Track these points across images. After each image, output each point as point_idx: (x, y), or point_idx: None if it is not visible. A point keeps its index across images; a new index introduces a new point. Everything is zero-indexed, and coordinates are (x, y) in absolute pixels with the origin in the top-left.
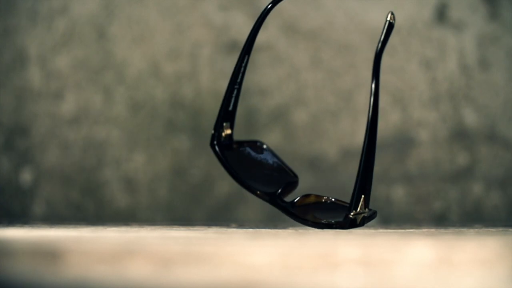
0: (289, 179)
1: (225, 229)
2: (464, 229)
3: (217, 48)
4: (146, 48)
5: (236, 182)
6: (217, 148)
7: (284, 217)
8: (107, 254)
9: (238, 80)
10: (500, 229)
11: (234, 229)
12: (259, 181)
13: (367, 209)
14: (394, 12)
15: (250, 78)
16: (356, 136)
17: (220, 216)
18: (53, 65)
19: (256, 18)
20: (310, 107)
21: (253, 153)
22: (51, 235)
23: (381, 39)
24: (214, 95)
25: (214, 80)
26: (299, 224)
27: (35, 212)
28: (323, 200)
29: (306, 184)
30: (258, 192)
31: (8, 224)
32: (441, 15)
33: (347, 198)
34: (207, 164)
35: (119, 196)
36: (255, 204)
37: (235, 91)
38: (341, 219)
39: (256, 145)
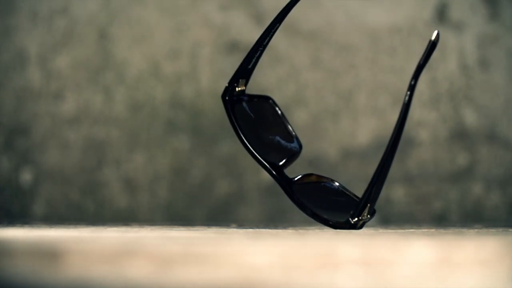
0: (293, 150)
1: (225, 229)
2: (464, 229)
3: (217, 48)
4: (146, 48)
5: (239, 141)
6: (227, 103)
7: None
8: (107, 254)
9: (264, 43)
10: (500, 229)
11: (234, 229)
12: (263, 146)
13: (369, 216)
14: (394, 12)
15: (251, 78)
16: (356, 136)
17: (220, 216)
18: (53, 65)
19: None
20: (310, 107)
21: (262, 111)
22: (51, 235)
23: (424, 57)
24: (214, 95)
25: (214, 80)
26: (299, 224)
27: (35, 212)
28: (325, 185)
29: None
30: (258, 157)
31: (8, 224)
32: (441, 15)
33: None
34: (207, 164)
35: (119, 196)
36: (255, 204)
37: (259, 52)
38: (342, 220)
39: (267, 101)
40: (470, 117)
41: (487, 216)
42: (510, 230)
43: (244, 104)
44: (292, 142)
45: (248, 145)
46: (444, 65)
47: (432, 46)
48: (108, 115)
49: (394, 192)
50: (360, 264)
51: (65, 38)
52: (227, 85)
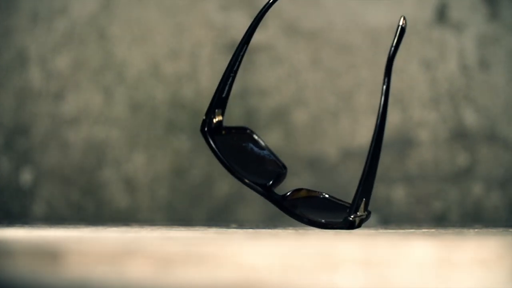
0: (279, 171)
1: (225, 229)
2: (464, 229)
3: (217, 48)
4: (146, 48)
5: (226, 170)
6: (207, 135)
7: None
8: (107, 254)
9: (235, 68)
10: (500, 229)
11: (234, 229)
12: (249, 171)
13: (366, 212)
14: (394, 12)
15: (250, 78)
16: (356, 136)
17: (220, 216)
18: (53, 65)
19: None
20: (310, 107)
21: (242, 141)
22: (51, 235)
23: (394, 43)
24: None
25: (214, 80)
26: (299, 224)
27: (35, 212)
28: (316, 196)
29: (306, 184)
30: (247, 181)
31: (8, 224)
32: (441, 15)
33: (347, 198)
34: (207, 164)
35: (119, 196)
36: (255, 204)
37: (230, 79)
38: (338, 220)
39: (246, 132)
40: (470, 117)
41: (487, 216)
42: (510, 230)
43: (224, 135)
44: (276, 164)
45: (235, 171)
46: (444, 65)
47: (401, 31)
48: (108, 115)
49: (394, 192)
50: (360, 264)
51: (65, 38)
52: (204, 117)
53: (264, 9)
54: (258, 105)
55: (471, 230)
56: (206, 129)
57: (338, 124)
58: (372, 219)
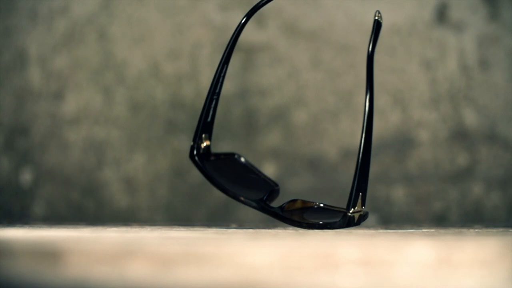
0: (272, 187)
1: (225, 229)
2: (464, 230)
3: (217, 48)
4: (146, 48)
5: (220, 191)
6: (197, 159)
7: None
8: (107, 254)
9: (217, 90)
10: (500, 229)
11: (234, 230)
12: (243, 189)
13: (363, 208)
14: (395, 12)
15: (250, 78)
16: (356, 136)
17: (220, 216)
18: (53, 65)
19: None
20: (310, 107)
21: (232, 164)
22: (51, 235)
23: (371, 39)
24: None
25: None
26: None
27: (35, 212)
28: (312, 205)
29: (306, 184)
30: (243, 198)
31: (8, 224)
32: (441, 15)
33: (347, 198)
34: None
35: (119, 196)
36: None
37: (214, 102)
38: (337, 220)
39: (234, 157)
40: (470, 117)
41: (487, 216)
42: (510, 230)
43: (213, 160)
44: (268, 182)
45: (229, 190)
46: (444, 65)
47: (377, 26)
48: (108, 115)
49: (394, 192)
50: (360, 264)
51: (65, 38)
52: (191, 143)
53: (237, 31)
54: (258, 105)
55: (471, 230)
56: (195, 155)
57: (338, 124)
58: (372, 219)
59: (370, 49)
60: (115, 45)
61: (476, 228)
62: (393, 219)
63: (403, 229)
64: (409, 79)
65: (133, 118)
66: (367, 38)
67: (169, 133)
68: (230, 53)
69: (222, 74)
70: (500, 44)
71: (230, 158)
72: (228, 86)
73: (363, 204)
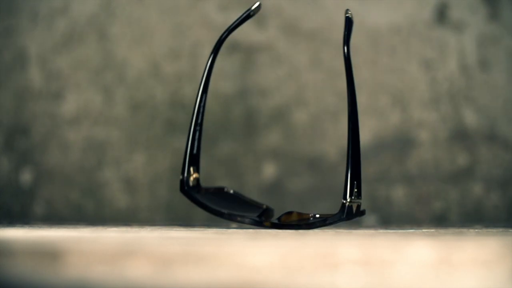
0: (265, 208)
1: (225, 229)
2: (464, 230)
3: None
4: (146, 48)
5: (216, 216)
6: (189, 193)
7: None
8: (107, 254)
9: (199, 121)
10: (500, 229)
11: (234, 230)
12: (238, 212)
13: (360, 197)
14: (395, 12)
15: (250, 78)
16: None
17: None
18: (53, 65)
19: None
20: (310, 107)
21: (223, 196)
22: (51, 235)
23: (345, 35)
24: (214, 95)
25: (214, 80)
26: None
27: (35, 212)
28: (307, 216)
29: (306, 184)
30: (239, 218)
31: (8, 224)
32: (441, 15)
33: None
34: (207, 164)
35: (119, 196)
36: None
37: (197, 133)
38: (335, 212)
39: (224, 190)
40: (470, 117)
41: (487, 216)
42: (510, 230)
43: (204, 193)
44: (261, 206)
45: (225, 213)
46: (444, 65)
47: (349, 23)
48: (108, 115)
49: (394, 192)
50: (360, 264)
51: (65, 38)
52: (180, 177)
53: (209, 63)
54: (258, 105)
55: (471, 230)
56: (186, 188)
57: (338, 124)
58: (372, 219)
59: (345, 49)
60: (115, 45)
61: (476, 228)
62: (393, 219)
63: (403, 229)
64: (409, 79)
65: (133, 118)
66: (367, 38)
67: (169, 133)
68: (206, 82)
69: (202, 104)
70: (500, 44)
71: (220, 191)
72: (228, 86)
73: (359, 193)
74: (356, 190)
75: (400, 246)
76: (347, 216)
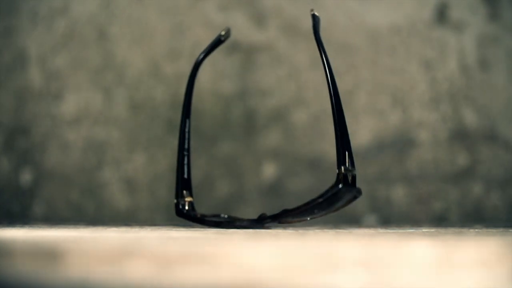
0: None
1: (225, 229)
2: (464, 230)
3: (217, 49)
4: (146, 48)
5: (214, 227)
6: (186, 216)
7: None
8: (107, 254)
9: (186, 146)
10: (500, 229)
11: (234, 230)
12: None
13: (354, 168)
14: (395, 12)
15: (250, 78)
16: (356, 136)
17: None
18: (53, 65)
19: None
20: (310, 108)
21: (220, 217)
22: (51, 235)
23: (313, 29)
24: (214, 95)
25: (214, 80)
26: (299, 224)
27: (35, 212)
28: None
29: (306, 184)
30: (239, 223)
31: (8, 224)
32: (441, 15)
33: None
34: (207, 164)
35: (119, 196)
36: (255, 204)
37: (186, 158)
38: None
39: (220, 216)
40: (470, 117)
41: (487, 216)
42: (510, 230)
43: (200, 217)
44: (255, 218)
45: (223, 222)
46: (444, 65)
47: (315, 18)
48: (108, 116)
49: (394, 192)
50: (360, 264)
51: (65, 38)
52: (175, 201)
53: (189, 86)
54: (258, 105)
55: (471, 230)
56: (183, 212)
57: None
58: (372, 219)
59: (321, 52)
60: (115, 45)
61: (476, 228)
62: (393, 219)
63: (403, 229)
64: (409, 79)
65: (133, 118)
66: (367, 38)
67: (169, 133)
68: (188, 107)
69: (187, 130)
70: (500, 44)
71: (217, 215)
72: (228, 86)
73: (352, 164)
74: (349, 160)
75: (400, 246)
76: (344, 184)
